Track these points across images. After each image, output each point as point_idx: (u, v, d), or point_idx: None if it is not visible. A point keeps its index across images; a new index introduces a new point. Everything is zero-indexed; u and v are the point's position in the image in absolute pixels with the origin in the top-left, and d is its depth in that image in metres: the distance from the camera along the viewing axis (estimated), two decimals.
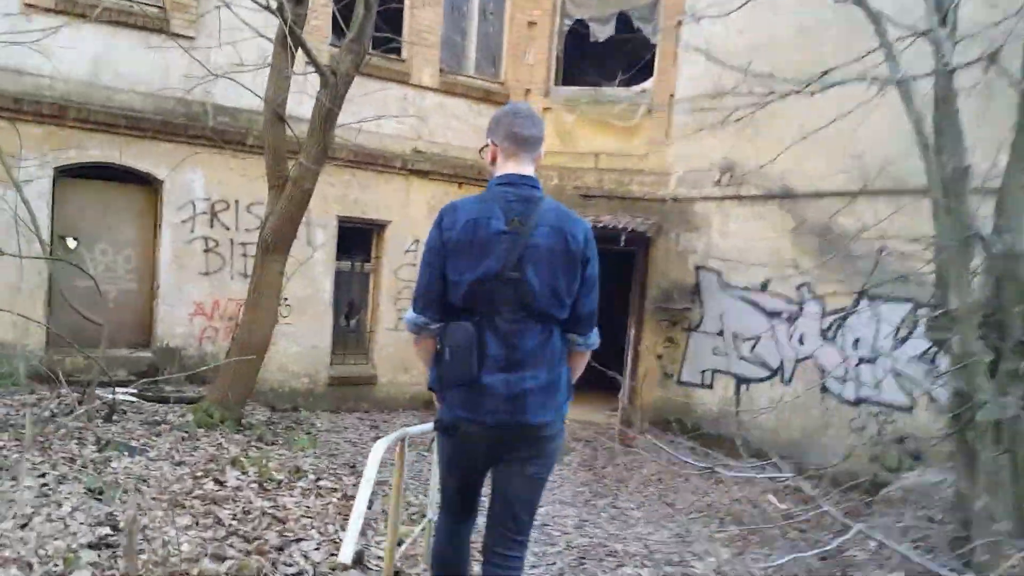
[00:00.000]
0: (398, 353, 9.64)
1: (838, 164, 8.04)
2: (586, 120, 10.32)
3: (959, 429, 4.23)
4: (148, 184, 7.94)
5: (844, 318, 8.02)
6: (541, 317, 2.39)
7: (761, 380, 8.78)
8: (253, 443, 5.53)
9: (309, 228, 8.72)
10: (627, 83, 10.15)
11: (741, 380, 8.98)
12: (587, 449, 8.87)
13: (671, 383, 9.76)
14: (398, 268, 9.53)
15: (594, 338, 2.55)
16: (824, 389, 8.14)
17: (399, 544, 3.42)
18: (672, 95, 9.92)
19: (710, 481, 7.87)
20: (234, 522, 3.81)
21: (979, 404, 3.87)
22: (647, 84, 10.14)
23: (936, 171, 4.18)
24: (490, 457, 2.48)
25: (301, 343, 8.86)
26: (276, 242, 5.83)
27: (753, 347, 8.87)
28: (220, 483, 4.41)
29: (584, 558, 4.97)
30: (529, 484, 2.50)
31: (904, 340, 7.42)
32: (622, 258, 10.42)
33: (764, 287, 8.80)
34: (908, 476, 6.14)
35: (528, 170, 2.45)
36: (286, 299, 8.61)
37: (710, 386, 9.32)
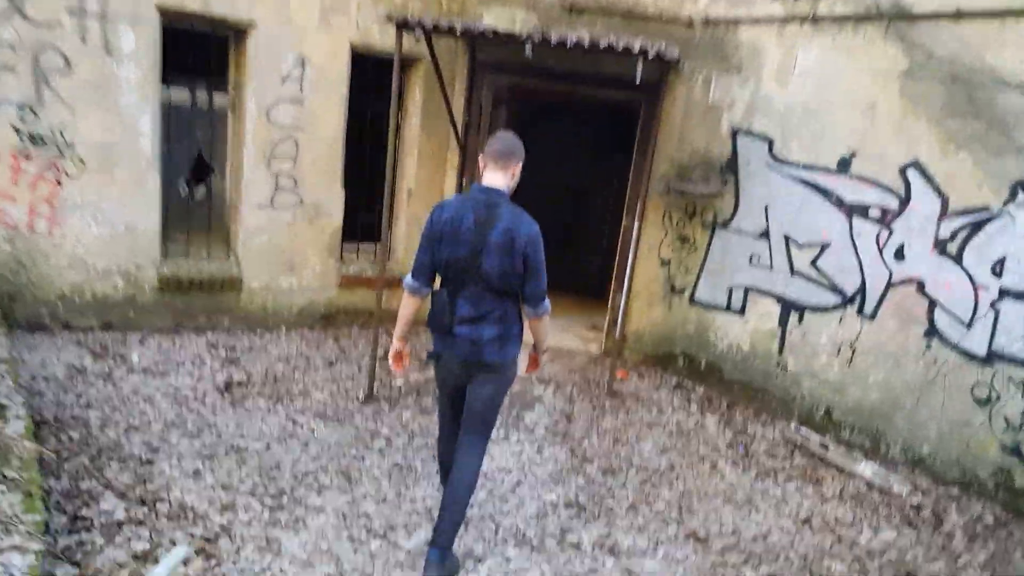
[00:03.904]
0: (276, 243, 6.30)
1: None
2: None
3: None
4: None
5: (981, 223, 4.95)
6: (495, 290, 3.27)
7: (825, 309, 5.76)
8: None
9: (104, 23, 5.10)
10: None
11: (792, 306, 5.96)
12: (559, 397, 5.86)
13: (681, 301, 6.71)
14: (272, 105, 5.98)
15: (543, 308, 3.39)
16: (932, 331, 5.19)
17: None
18: None
19: (750, 474, 4.99)
20: None
21: None
22: None
23: None
24: (461, 378, 3.43)
25: (107, 222, 5.43)
26: None
27: (816, 258, 5.80)
28: None
29: None
30: (488, 396, 3.42)
31: None
32: (620, 113, 7.09)
33: (844, 166, 5.61)
34: None
35: (498, 181, 3.27)
36: (71, 146, 5.12)
37: (741, 311, 6.30)
